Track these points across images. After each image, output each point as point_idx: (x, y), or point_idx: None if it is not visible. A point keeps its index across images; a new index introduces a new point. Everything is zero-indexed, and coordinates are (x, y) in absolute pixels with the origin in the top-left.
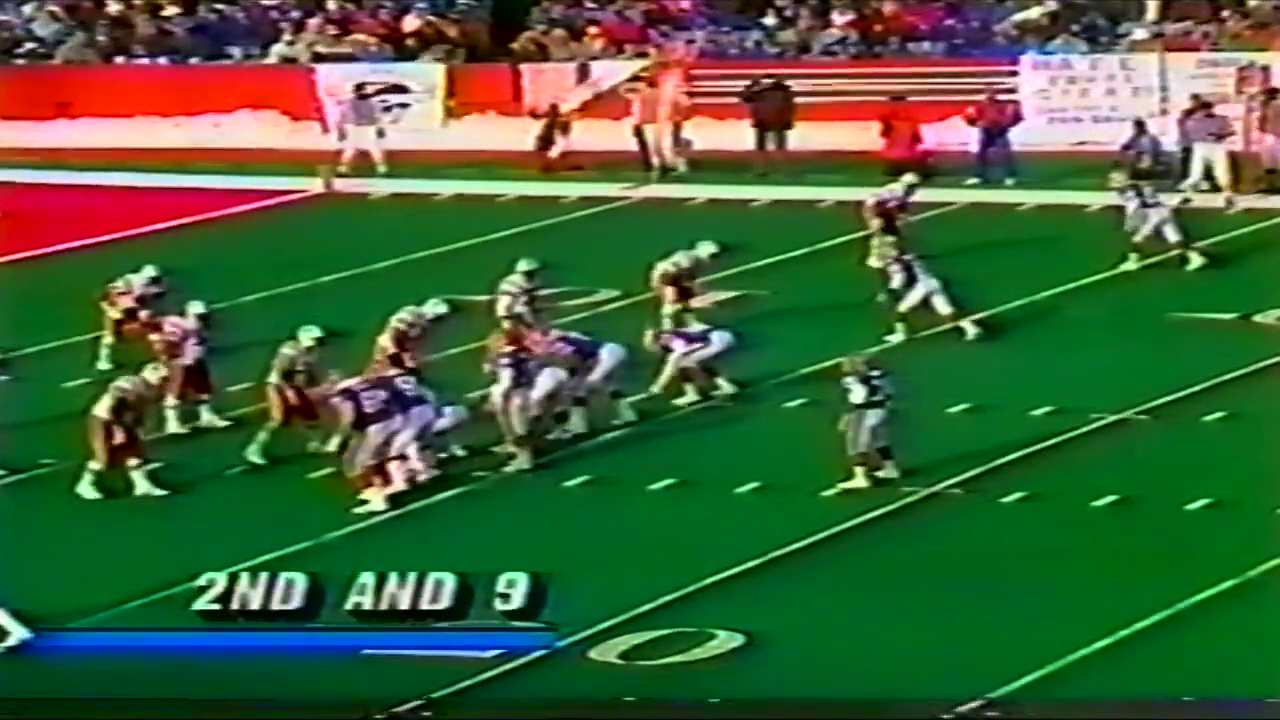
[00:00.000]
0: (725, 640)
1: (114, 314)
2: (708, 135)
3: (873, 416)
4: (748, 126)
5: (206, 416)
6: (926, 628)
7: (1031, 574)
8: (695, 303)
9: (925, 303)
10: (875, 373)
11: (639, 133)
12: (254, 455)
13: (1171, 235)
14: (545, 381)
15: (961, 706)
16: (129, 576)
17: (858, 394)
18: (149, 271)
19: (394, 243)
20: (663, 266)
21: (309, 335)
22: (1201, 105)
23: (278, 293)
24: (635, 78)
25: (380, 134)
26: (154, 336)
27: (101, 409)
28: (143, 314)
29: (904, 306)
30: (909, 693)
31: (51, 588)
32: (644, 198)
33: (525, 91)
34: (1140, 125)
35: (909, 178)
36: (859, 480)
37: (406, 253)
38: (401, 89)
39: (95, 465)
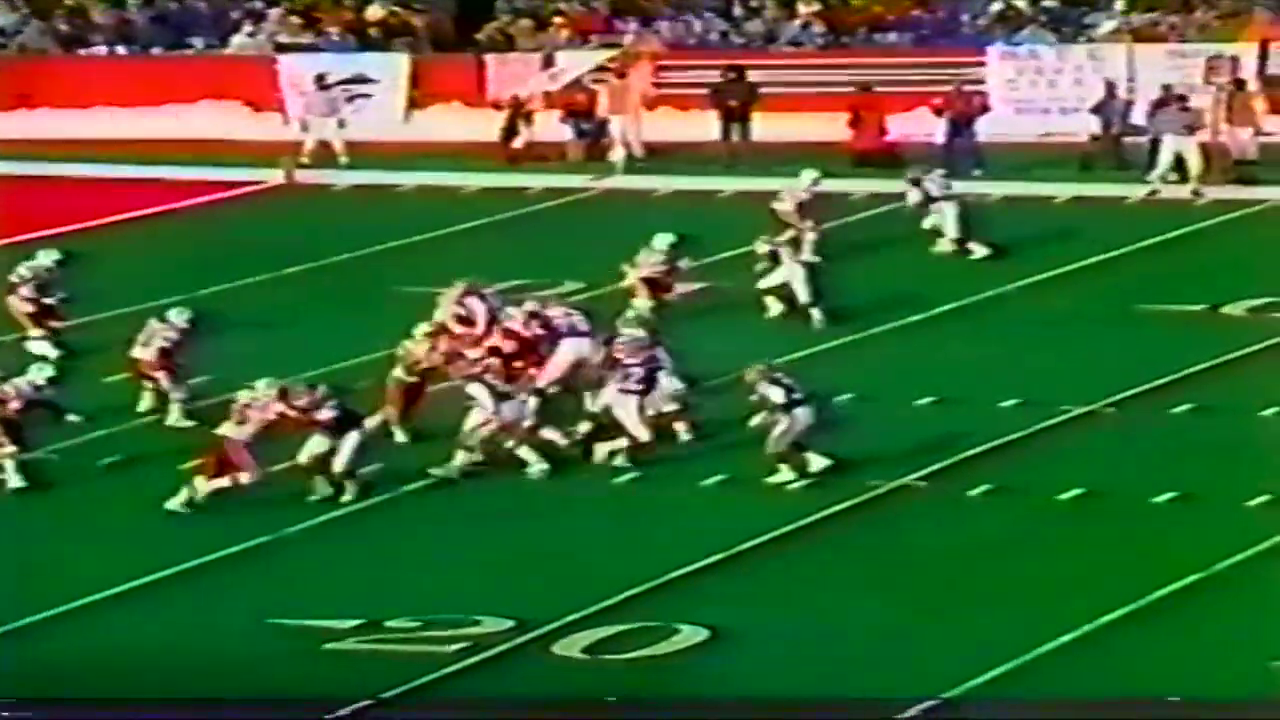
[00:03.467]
0: (690, 635)
1: (25, 308)
2: (673, 126)
3: (803, 415)
4: (712, 117)
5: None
6: (891, 622)
7: (997, 568)
8: (669, 297)
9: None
10: (779, 375)
11: (605, 124)
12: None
13: (951, 230)
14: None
15: (926, 702)
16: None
17: (777, 395)
18: (48, 258)
19: (356, 235)
20: (643, 270)
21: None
22: (1176, 97)
23: (239, 285)
24: (602, 68)
25: (342, 125)
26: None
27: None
28: (45, 300)
29: (762, 285)
30: (873, 689)
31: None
32: (609, 189)
33: (490, 82)
34: (1111, 87)
35: (810, 172)
36: (785, 474)
37: (369, 245)
38: (365, 79)
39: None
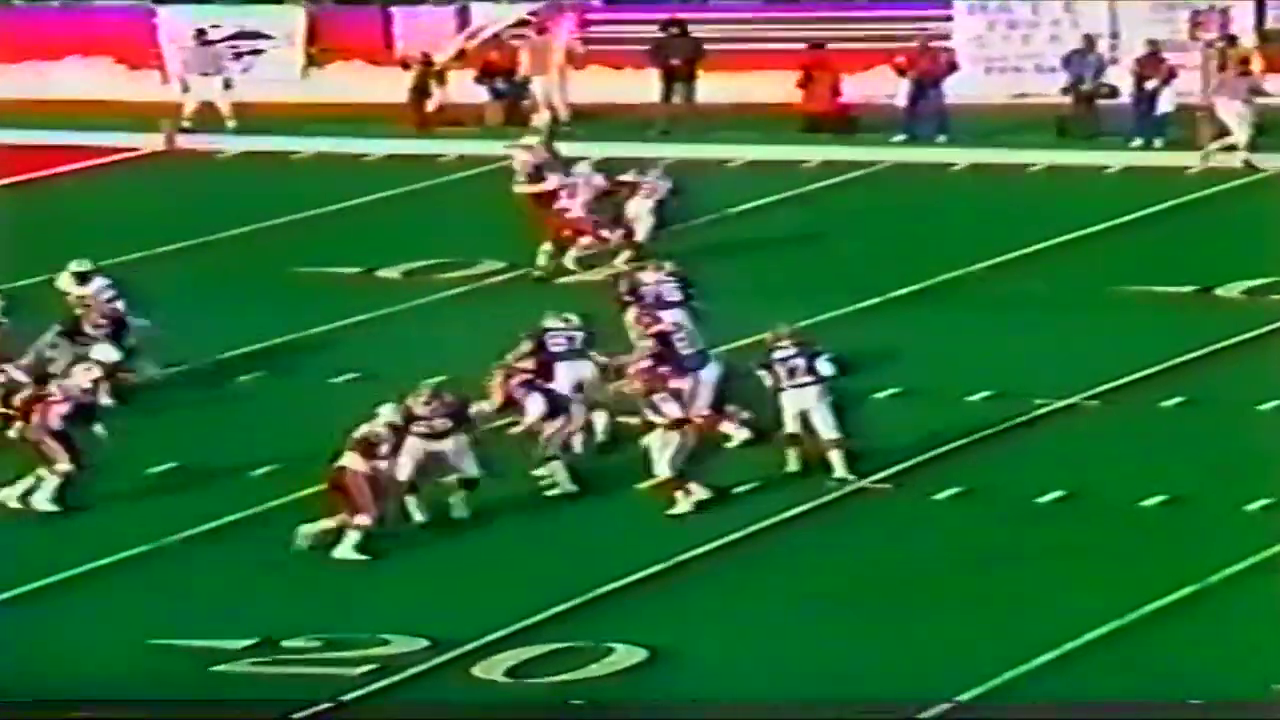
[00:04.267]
0: (625, 655)
1: None
2: (605, 87)
3: (691, 435)
4: (650, 76)
5: None
6: (849, 640)
7: (967, 579)
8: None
9: None
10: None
11: (526, 85)
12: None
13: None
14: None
15: None
16: None
17: (671, 410)
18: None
19: (246, 207)
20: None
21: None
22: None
23: (111, 264)
24: (523, 22)
25: (228, 85)
26: None
27: None
28: None
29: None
30: (828, 713)
31: None
32: None
33: (397, 38)
34: (1089, 41)
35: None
36: (685, 504)
37: (261, 218)
38: (256, 34)
39: None
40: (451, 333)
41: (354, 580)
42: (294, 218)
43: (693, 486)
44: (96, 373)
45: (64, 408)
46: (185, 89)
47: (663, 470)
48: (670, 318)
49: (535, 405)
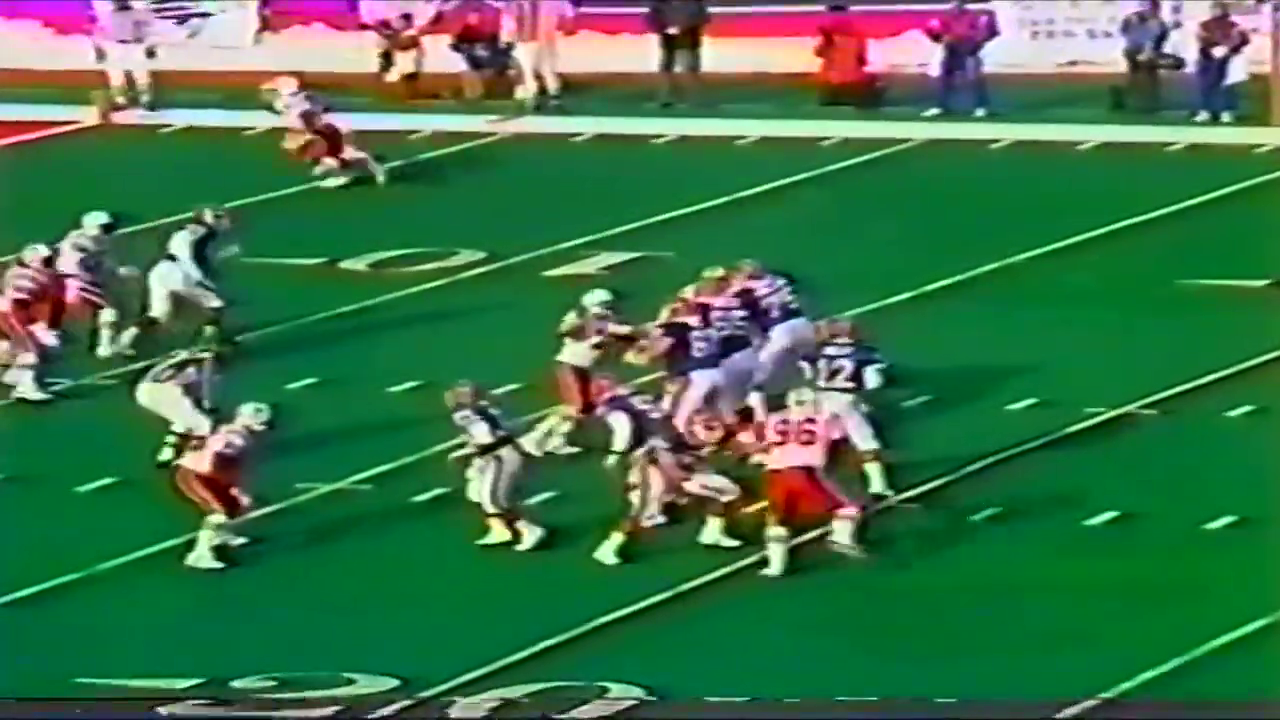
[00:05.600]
0: (620, 694)
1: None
2: (598, 54)
3: (511, 461)
4: (649, 43)
5: None
6: (872, 678)
7: (1007, 611)
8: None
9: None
10: (486, 404)
11: (509, 52)
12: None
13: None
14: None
15: None
16: None
17: (480, 433)
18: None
19: (192, 190)
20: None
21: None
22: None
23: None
24: None
25: (151, 54)
26: None
27: None
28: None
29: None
30: None
31: None
32: (516, 133)
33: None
34: (1152, 3)
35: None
36: (499, 533)
37: (207, 202)
38: None
39: None
40: (425, 332)
41: (309, 612)
42: (245, 201)
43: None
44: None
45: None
46: (100, 57)
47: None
48: (788, 335)
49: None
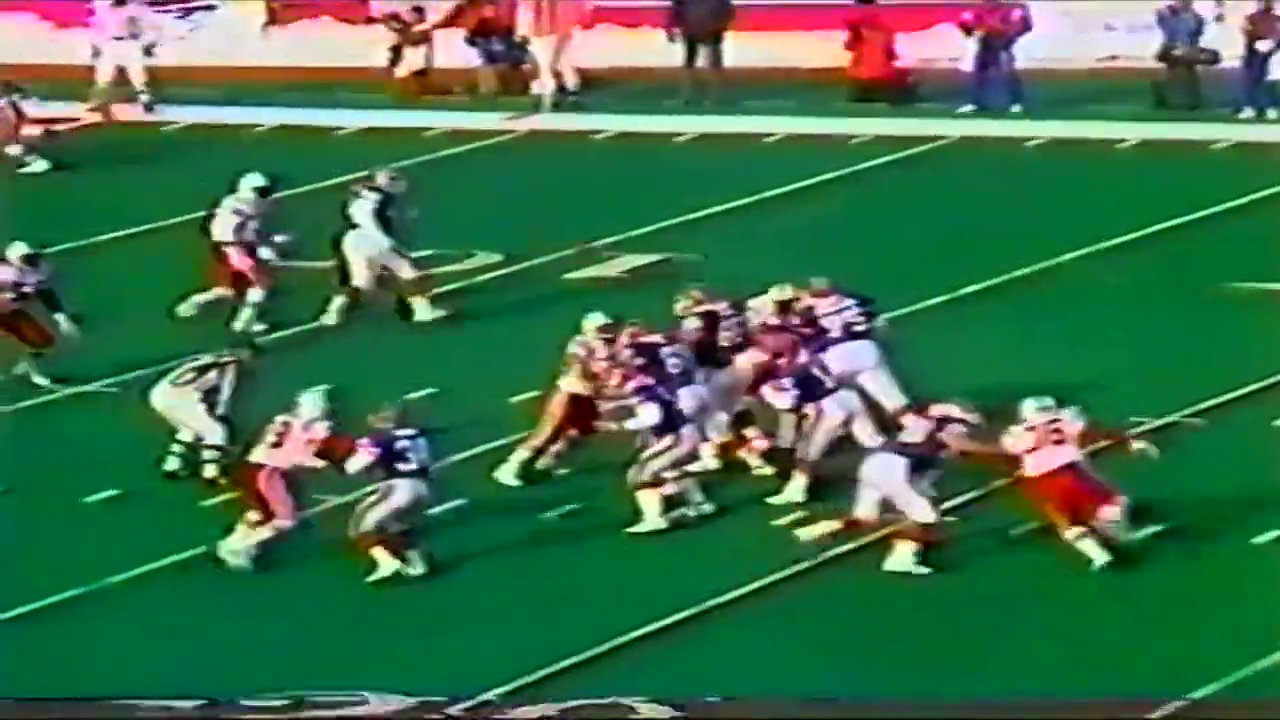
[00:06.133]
0: (649, 713)
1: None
2: (618, 48)
3: (403, 490)
4: (670, 37)
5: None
6: (904, 697)
7: (1048, 629)
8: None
9: None
10: (404, 432)
11: (524, 46)
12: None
13: None
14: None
15: None
16: None
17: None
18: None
19: (195, 190)
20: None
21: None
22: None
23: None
24: None
25: (149, 51)
26: None
27: None
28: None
29: None
30: None
31: None
32: (533, 130)
33: None
34: None
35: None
36: (386, 566)
37: (210, 204)
38: None
39: None
40: (441, 338)
41: (321, 628)
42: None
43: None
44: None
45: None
46: (96, 54)
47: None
48: (847, 359)
49: (650, 414)
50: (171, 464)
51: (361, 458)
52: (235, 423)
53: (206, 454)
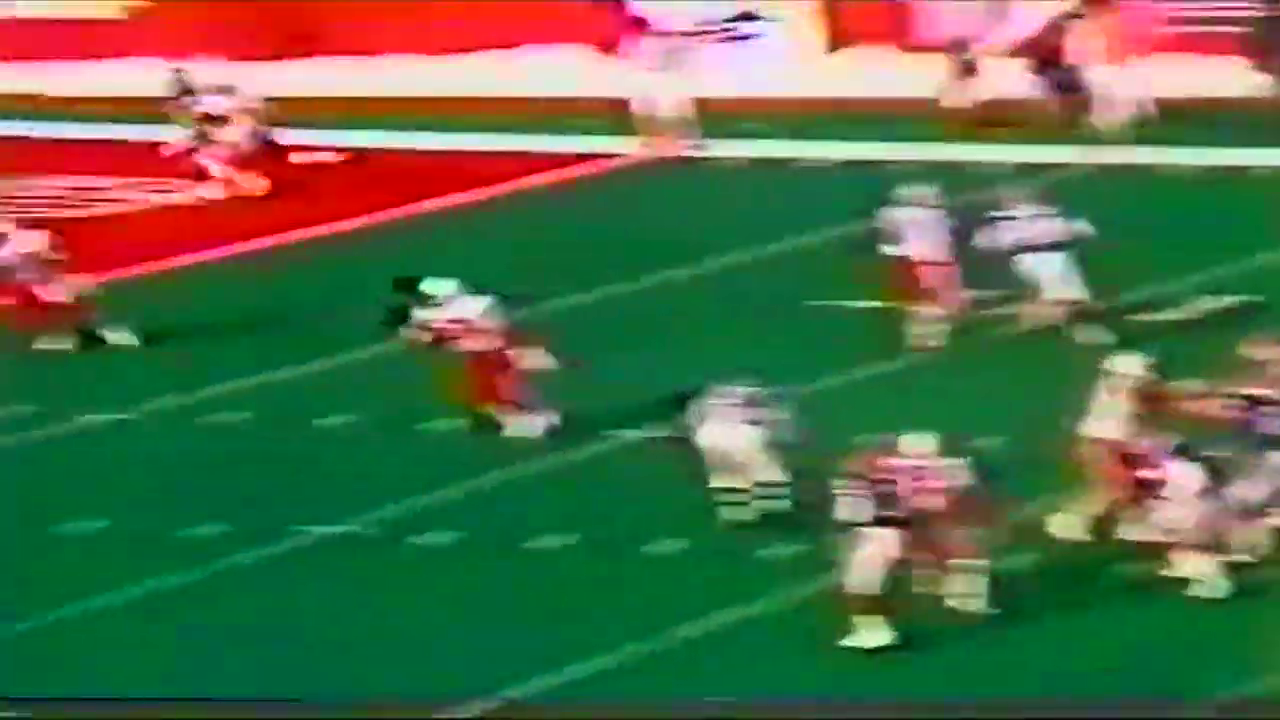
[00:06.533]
0: None
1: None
2: (1192, 75)
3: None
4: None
5: None
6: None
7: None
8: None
9: None
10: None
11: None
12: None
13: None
14: None
15: None
16: None
17: (862, 509)
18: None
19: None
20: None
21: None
22: None
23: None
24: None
25: (690, 85)
26: None
27: None
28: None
29: None
30: None
31: None
32: (1099, 164)
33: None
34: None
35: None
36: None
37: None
38: (751, 17)
39: None
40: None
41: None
42: (797, 243)
43: None
44: None
45: None
46: (645, 87)
47: None
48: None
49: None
50: None
51: None
52: None
53: None
